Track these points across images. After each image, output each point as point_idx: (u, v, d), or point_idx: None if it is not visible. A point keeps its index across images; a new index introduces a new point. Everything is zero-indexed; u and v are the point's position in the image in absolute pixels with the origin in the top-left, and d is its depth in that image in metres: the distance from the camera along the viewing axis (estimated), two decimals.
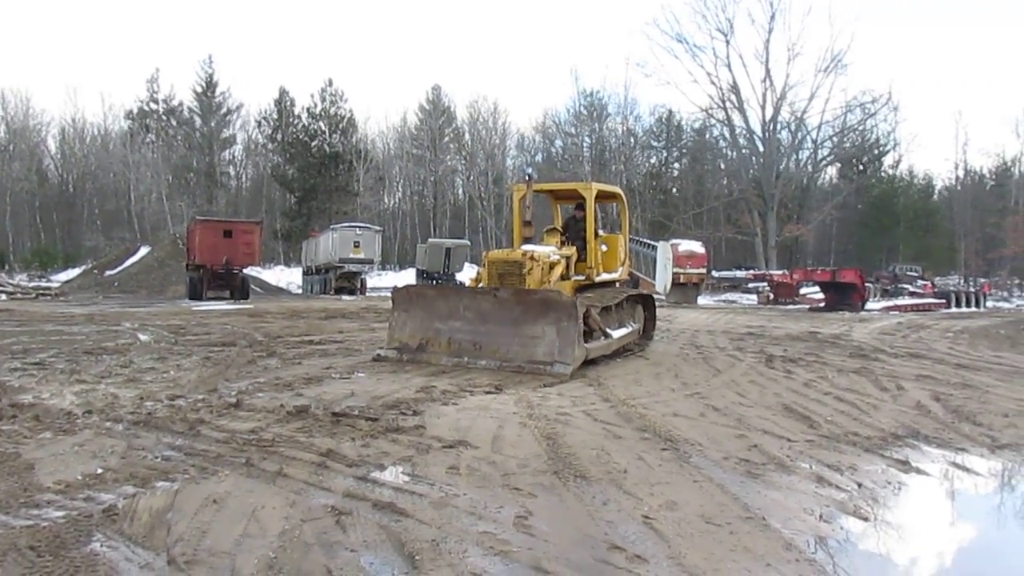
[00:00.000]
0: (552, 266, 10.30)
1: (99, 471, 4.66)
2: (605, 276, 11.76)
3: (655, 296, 31.08)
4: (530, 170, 12.10)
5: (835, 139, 50.86)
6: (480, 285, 10.32)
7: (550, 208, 13.25)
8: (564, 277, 10.67)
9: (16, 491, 4.24)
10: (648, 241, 35.77)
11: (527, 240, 10.93)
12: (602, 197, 12.58)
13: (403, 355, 9.67)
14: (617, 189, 13.38)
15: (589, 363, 10.08)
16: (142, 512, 3.95)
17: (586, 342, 9.33)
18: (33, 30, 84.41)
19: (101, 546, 3.52)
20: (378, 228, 40.42)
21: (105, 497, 4.17)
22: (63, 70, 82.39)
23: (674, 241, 33.79)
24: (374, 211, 58.09)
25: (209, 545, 3.56)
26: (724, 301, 34.26)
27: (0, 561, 3.31)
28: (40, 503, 4.06)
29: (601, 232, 12.54)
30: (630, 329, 11.52)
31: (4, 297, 27.44)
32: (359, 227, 38.15)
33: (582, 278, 11.15)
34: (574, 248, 11.23)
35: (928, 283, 38.72)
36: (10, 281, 34.30)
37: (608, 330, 10.22)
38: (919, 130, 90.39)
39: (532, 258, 10.02)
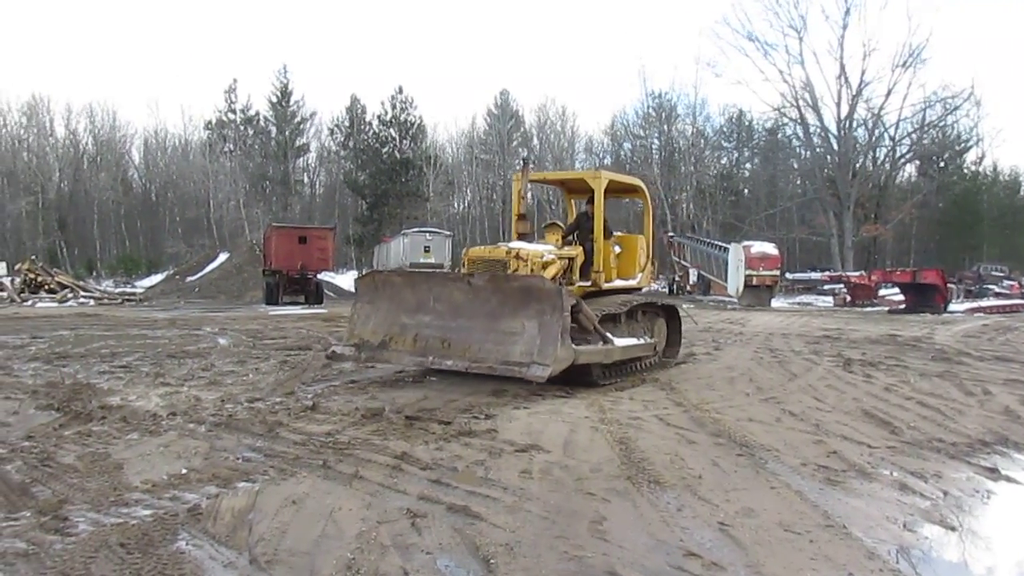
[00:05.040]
0: (545, 266, 8.88)
1: (184, 471, 4.83)
2: (619, 283, 10.17)
3: (731, 298, 30.71)
4: (526, 154, 10.70)
5: (914, 136, 49.20)
6: None
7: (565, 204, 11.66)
8: (565, 281, 9.27)
9: (107, 490, 4.42)
10: (719, 243, 35.24)
11: (522, 237, 9.65)
12: (617, 190, 10.91)
13: (361, 353, 8.52)
14: (637, 181, 11.27)
15: (659, 367, 10.00)
16: (225, 512, 4.07)
17: (577, 344, 7.86)
18: (118, 47, 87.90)
19: (187, 544, 3.64)
20: (448, 233, 40.74)
21: (190, 497, 4.32)
22: (146, 84, 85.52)
23: (746, 243, 33.13)
24: (444, 216, 58.59)
25: (289, 545, 3.65)
26: (799, 304, 33.49)
27: (93, 558, 3.46)
28: (129, 502, 4.22)
29: (618, 232, 10.97)
30: (641, 342, 9.57)
31: (92, 303, 28.55)
32: (429, 232, 38.52)
33: (588, 284, 9.64)
34: (580, 248, 9.72)
35: (1015, 283, 37.14)
36: (97, 287, 35.66)
37: (609, 335, 8.60)
38: (1004, 124, 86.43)
39: (518, 256, 8.70)
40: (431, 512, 4.11)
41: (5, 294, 28.87)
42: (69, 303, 28.02)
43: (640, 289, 10.83)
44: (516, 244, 9.08)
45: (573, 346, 7.60)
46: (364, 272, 9.64)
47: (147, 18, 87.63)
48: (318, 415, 6.66)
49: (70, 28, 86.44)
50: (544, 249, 9.13)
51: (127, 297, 32.26)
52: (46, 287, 29.93)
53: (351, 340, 8.67)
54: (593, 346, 8.19)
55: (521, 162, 10.00)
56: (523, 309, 7.62)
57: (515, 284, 7.85)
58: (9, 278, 31.68)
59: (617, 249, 10.39)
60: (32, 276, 30.16)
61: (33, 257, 34.16)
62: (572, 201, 11.36)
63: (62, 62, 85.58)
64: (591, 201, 9.87)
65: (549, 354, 7.27)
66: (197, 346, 12.53)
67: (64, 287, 30.38)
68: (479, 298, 7.92)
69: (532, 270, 8.61)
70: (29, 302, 27.59)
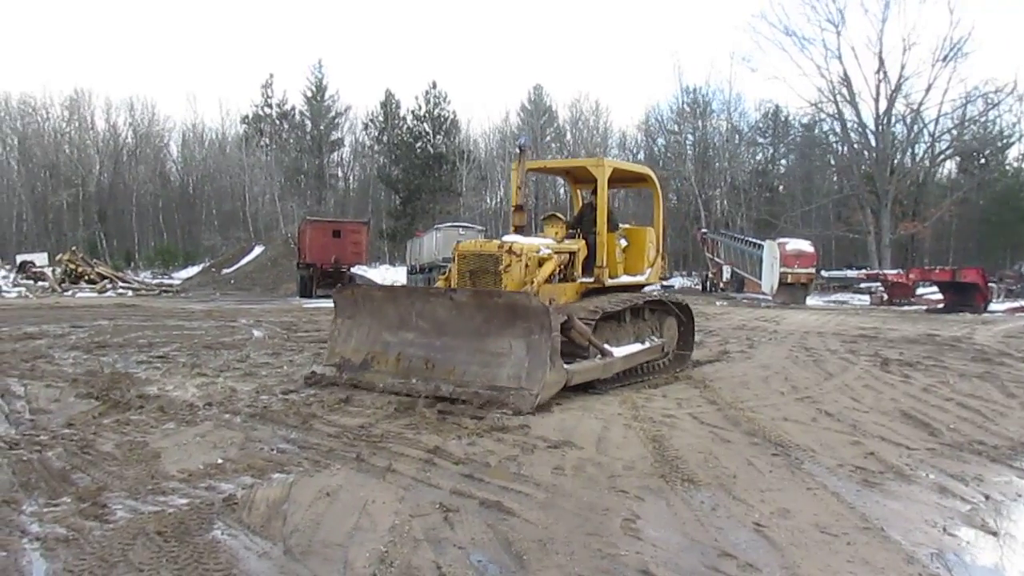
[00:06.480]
0: (541, 263, 8.16)
1: (219, 461, 4.88)
2: (626, 279, 9.41)
3: (765, 295, 30.38)
4: (522, 140, 9.91)
5: (954, 132, 48.24)
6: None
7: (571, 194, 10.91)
8: (565, 278, 8.73)
9: (144, 478, 4.49)
10: (754, 240, 34.89)
11: (519, 229, 9.04)
12: (623, 179, 10.20)
13: (343, 374, 7.85)
14: (645, 169, 10.47)
15: (691, 365, 9.91)
16: (259, 502, 4.11)
17: (571, 363, 7.37)
18: (157, 42, 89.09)
19: (222, 534, 3.68)
20: (480, 228, 40.78)
21: (225, 487, 4.36)
22: (184, 78, 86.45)
23: (781, 240, 32.74)
24: (476, 211, 58.62)
25: (323, 537, 3.67)
26: (834, 302, 33.04)
27: (130, 545, 3.50)
28: (166, 490, 4.28)
29: (625, 224, 10.14)
30: (646, 346, 8.99)
31: (130, 294, 29.01)
32: (462, 227, 38.53)
33: (591, 280, 8.90)
34: (583, 242, 9.02)
35: None
36: (135, 278, 36.20)
37: (608, 347, 8.03)
38: None
39: (511, 251, 7.99)
40: (464, 507, 4.12)
41: (47, 284, 29.46)
42: (108, 294, 28.52)
43: (650, 285, 10.21)
44: (510, 238, 8.49)
45: (565, 366, 7.19)
46: (340, 287, 9.24)
47: (185, 13, 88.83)
48: (351, 408, 6.71)
49: (111, 24, 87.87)
50: (541, 243, 8.50)
51: (164, 288, 32.72)
52: (86, 277, 30.50)
53: (332, 359, 8.15)
54: (589, 362, 7.72)
55: (518, 149, 9.33)
56: (509, 328, 7.11)
57: (500, 301, 7.30)
58: (50, 268, 32.31)
59: (623, 243, 9.60)
60: (72, 267, 30.76)
61: (74, 248, 34.77)
62: (579, 192, 10.63)
63: (103, 57, 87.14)
64: (596, 191, 9.14)
65: (537, 380, 6.82)
66: (233, 338, 12.67)
67: (103, 278, 30.91)
68: (463, 315, 7.41)
69: (527, 265, 8.03)
70: (69, 292, 28.15)
